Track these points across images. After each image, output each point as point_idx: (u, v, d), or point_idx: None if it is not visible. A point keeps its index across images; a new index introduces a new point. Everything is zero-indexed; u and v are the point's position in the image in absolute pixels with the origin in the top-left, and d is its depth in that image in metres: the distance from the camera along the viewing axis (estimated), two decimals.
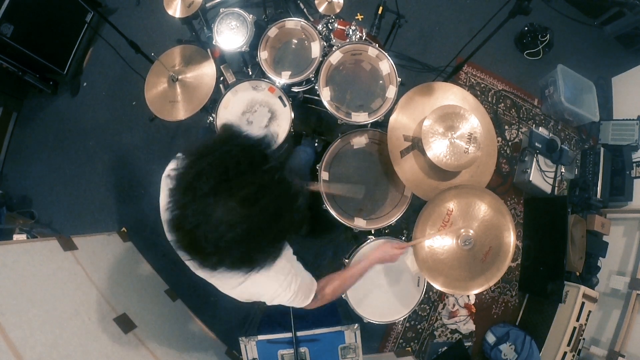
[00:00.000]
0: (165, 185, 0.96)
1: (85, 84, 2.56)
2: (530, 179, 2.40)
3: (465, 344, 2.34)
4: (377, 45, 1.73)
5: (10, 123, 2.48)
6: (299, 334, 1.59)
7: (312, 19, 2.23)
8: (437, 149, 1.40)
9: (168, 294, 2.09)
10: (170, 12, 1.67)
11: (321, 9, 1.74)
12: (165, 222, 0.72)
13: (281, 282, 0.98)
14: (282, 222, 0.72)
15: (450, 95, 1.57)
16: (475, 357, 2.38)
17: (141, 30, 2.53)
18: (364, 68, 1.73)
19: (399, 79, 1.64)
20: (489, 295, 2.44)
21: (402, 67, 2.54)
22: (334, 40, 1.80)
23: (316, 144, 1.92)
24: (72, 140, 2.48)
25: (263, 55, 1.70)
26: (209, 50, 1.77)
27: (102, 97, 2.53)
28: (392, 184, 1.68)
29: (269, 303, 1.03)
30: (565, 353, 2.12)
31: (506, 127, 2.67)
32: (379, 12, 2.06)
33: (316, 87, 1.64)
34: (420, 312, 2.35)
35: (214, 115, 1.64)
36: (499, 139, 2.62)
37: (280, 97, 1.66)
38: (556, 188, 2.46)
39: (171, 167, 0.95)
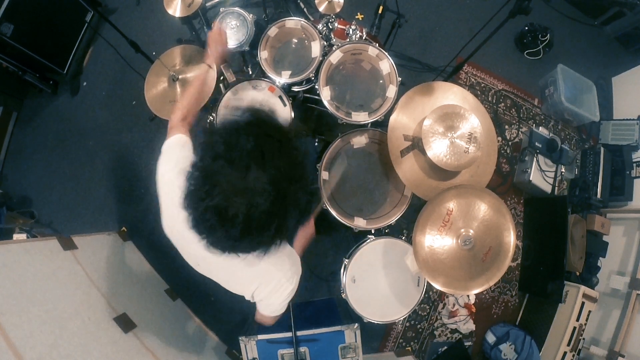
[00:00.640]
0: (166, 184, 0.96)
1: (85, 83, 2.56)
2: (530, 178, 2.40)
3: (465, 344, 2.34)
4: (377, 44, 1.73)
5: (10, 123, 2.48)
6: (299, 333, 1.59)
7: (312, 19, 2.23)
8: (437, 149, 1.40)
9: (168, 294, 2.09)
10: (170, 11, 1.67)
11: (321, 9, 1.74)
12: (188, 196, 0.73)
13: (285, 272, 0.98)
14: (299, 200, 0.76)
15: (450, 95, 1.57)
16: (475, 357, 2.38)
17: (141, 30, 2.53)
18: (364, 68, 1.73)
19: (399, 79, 1.64)
20: (489, 295, 2.44)
21: (402, 66, 2.54)
22: (334, 40, 1.80)
23: (316, 144, 1.92)
24: (72, 140, 2.48)
25: (263, 54, 1.70)
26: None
27: (102, 97, 2.53)
28: (392, 183, 1.68)
29: (269, 299, 1.02)
30: (565, 353, 2.12)
31: (506, 126, 2.67)
32: (379, 11, 2.06)
33: (316, 87, 1.64)
34: (420, 312, 2.35)
35: (214, 114, 1.64)
36: (499, 138, 2.62)
37: (280, 97, 1.66)
38: (556, 188, 2.46)
39: (165, 167, 0.96)
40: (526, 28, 2.75)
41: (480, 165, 1.54)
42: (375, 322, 1.59)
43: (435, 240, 1.37)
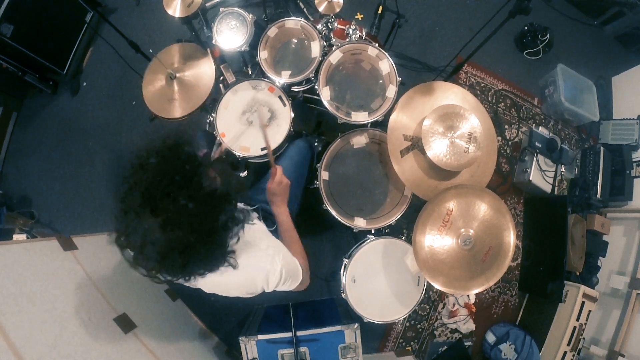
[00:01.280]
0: None
1: (85, 83, 2.56)
2: (530, 178, 2.39)
3: (465, 344, 2.34)
4: (377, 44, 1.73)
5: (10, 123, 2.48)
6: (299, 333, 1.59)
7: (312, 19, 2.23)
8: (437, 149, 1.40)
9: (168, 294, 2.09)
10: (170, 11, 1.67)
11: (321, 9, 1.74)
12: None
13: (264, 259, 1.01)
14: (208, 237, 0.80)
15: (450, 94, 1.57)
16: (475, 357, 2.38)
17: (141, 30, 2.53)
18: (363, 67, 1.73)
19: (399, 79, 1.64)
20: (489, 294, 2.44)
21: (402, 66, 2.54)
22: (333, 40, 1.80)
23: (316, 144, 1.92)
24: (72, 140, 2.48)
25: (263, 54, 1.70)
26: (208, 49, 1.77)
27: (102, 97, 2.53)
28: (392, 183, 1.68)
29: (268, 288, 1.05)
30: (565, 353, 2.12)
31: (506, 126, 2.67)
32: (379, 11, 2.06)
33: (316, 87, 1.64)
34: (420, 312, 2.35)
35: (213, 115, 1.64)
36: (499, 138, 2.62)
37: (280, 97, 1.66)
38: (556, 188, 2.46)
39: None
40: (526, 28, 2.75)
41: (480, 165, 1.54)
42: (375, 322, 1.59)
43: (435, 240, 1.37)
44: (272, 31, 1.72)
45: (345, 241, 2.18)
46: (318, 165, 1.65)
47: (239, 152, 1.58)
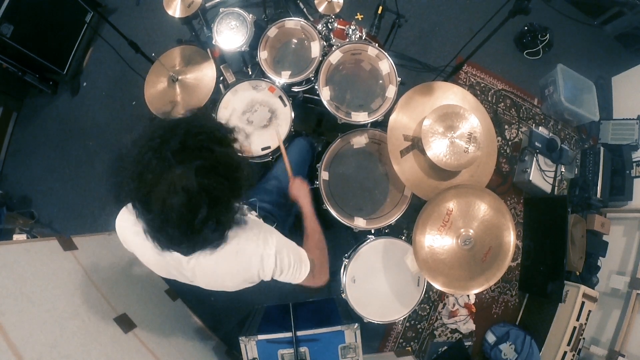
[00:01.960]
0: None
1: (85, 84, 2.56)
2: (530, 178, 2.39)
3: (465, 344, 2.34)
4: (376, 44, 1.73)
5: (10, 123, 2.48)
6: (299, 333, 1.59)
7: (311, 19, 2.23)
8: (437, 149, 1.40)
9: (168, 294, 2.08)
10: (170, 12, 1.67)
11: (321, 9, 1.74)
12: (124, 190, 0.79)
13: (255, 242, 1.00)
14: (228, 194, 0.79)
15: (450, 94, 1.57)
16: (475, 357, 2.38)
17: (141, 30, 2.53)
18: (363, 68, 1.73)
19: (399, 79, 1.65)
20: (489, 295, 2.44)
21: (402, 66, 2.54)
22: (333, 40, 1.80)
23: (316, 144, 1.92)
24: (72, 140, 2.48)
25: (263, 55, 1.70)
26: (208, 50, 1.78)
27: (102, 97, 2.53)
28: (392, 183, 1.68)
29: (265, 274, 1.04)
30: (565, 353, 2.12)
31: (506, 126, 2.67)
32: (379, 11, 2.06)
33: (316, 87, 1.64)
34: (420, 312, 2.35)
35: (213, 115, 1.64)
36: (499, 138, 2.62)
37: (280, 97, 1.66)
38: (556, 188, 2.46)
39: (124, 214, 1.00)
40: (526, 28, 2.75)
41: (480, 165, 1.54)
42: (375, 322, 1.59)
43: (435, 240, 1.37)
44: (272, 31, 1.72)
45: (345, 241, 2.18)
46: (318, 165, 1.65)
47: (238, 152, 1.58)
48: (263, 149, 1.59)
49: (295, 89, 1.75)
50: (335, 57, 1.66)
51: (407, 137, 1.51)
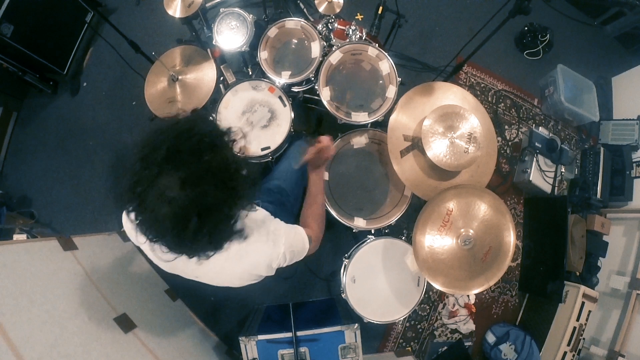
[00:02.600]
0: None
1: (85, 83, 2.56)
2: (530, 178, 2.40)
3: (465, 344, 2.34)
4: (377, 45, 1.73)
5: (10, 123, 2.48)
6: (299, 333, 1.59)
7: (312, 19, 2.23)
8: (437, 149, 1.40)
9: (168, 294, 2.08)
10: (170, 12, 1.67)
11: (321, 9, 1.74)
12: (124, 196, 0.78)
13: (265, 243, 1.00)
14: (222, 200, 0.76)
15: (450, 95, 1.58)
16: (475, 357, 2.38)
17: (141, 30, 2.53)
18: (364, 68, 1.73)
19: (399, 79, 1.65)
20: (489, 295, 2.44)
21: (402, 66, 2.54)
22: (333, 40, 1.80)
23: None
24: (72, 140, 2.48)
25: (263, 55, 1.70)
26: (209, 50, 1.78)
27: (102, 97, 2.53)
28: (392, 183, 1.68)
29: (272, 272, 1.05)
30: (565, 353, 2.12)
31: (506, 126, 2.67)
32: (379, 12, 2.06)
33: (316, 87, 1.64)
34: (420, 312, 2.35)
35: (214, 115, 1.64)
36: (499, 138, 2.62)
37: (280, 97, 1.66)
38: (556, 188, 2.46)
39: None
40: (526, 28, 2.75)
41: (480, 165, 1.54)
42: (375, 322, 1.59)
43: (435, 240, 1.37)
44: (272, 31, 1.72)
45: (345, 241, 2.18)
46: None
47: (238, 152, 1.58)
48: (263, 149, 1.59)
49: (295, 89, 1.75)
50: (335, 57, 1.66)
51: (407, 137, 1.51)
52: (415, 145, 1.49)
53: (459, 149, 1.41)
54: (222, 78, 1.80)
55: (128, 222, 0.98)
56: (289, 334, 1.58)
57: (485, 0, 2.75)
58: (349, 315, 1.69)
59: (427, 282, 1.47)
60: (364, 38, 1.79)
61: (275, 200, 1.44)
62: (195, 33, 1.90)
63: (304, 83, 1.73)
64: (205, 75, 1.71)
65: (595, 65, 2.86)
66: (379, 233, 1.71)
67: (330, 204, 1.61)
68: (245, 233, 0.86)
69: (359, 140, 1.70)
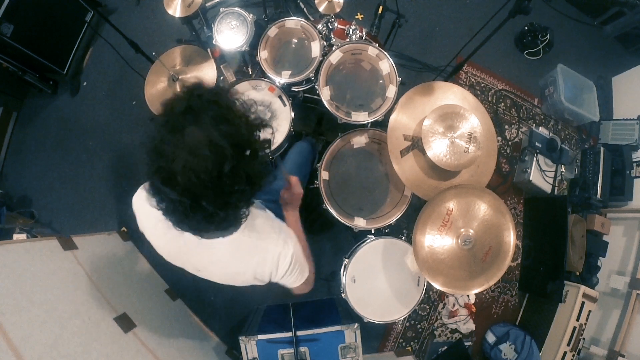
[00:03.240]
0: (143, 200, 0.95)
1: (85, 83, 2.56)
2: (530, 178, 2.40)
3: (465, 344, 2.34)
4: (377, 44, 1.73)
5: (10, 123, 2.48)
6: (299, 333, 1.59)
7: (312, 19, 2.23)
8: (437, 149, 1.40)
9: (168, 294, 2.09)
10: (170, 11, 1.67)
11: (321, 9, 1.74)
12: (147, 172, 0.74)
13: (276, 240, 0.98)
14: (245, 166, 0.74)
15: (450, 94, 1.57)
16: (475, 357, 2.38)
17: (141, 30, 2.53)
18: (364, 67, 1.73)
19: (399, 79, 1.65)
20: (489, 294, 2.44)
21: (402, 66, 2.54)
22: (334, 40, 1.80)
23: (317, 145, 1.92)
24: (72, 140, 2.48)
25: (263, 54, 1.70)
26: (209, 49, 1.78)
27: (102, 97, 2.53)
28: (392, 183, 1.68)
29: (277, 274, 1.03)
30: (565, 353, 2.12)
31: (506, 126, 2.67)
32: (379, 11, 2.06)
33: (316, 87, 1.64)
34: (420, 312, 2.35)
35: None
36: (499, 138, 2.62)
37: (280, 97, 1.66)
38: (556, 188, 2.46)
39: (141, 194, 0.96)
40: (526, 28, 2.75)
41: (480, 165, 1.54)
42: (375, 322, 1.59)
43: (435, 240, 1.37)
44: (272, 31, 1.72)
45: (345, 241, 2.18)
46: (318, 165, 1.65)
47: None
48: None
49: (295, 88, 1.75)
50: (335, 56, 1.66)
51: (407, 137, 1.51)
52: (415, 145, 1.49)
53: (459, 149, 1.41)
54: (222, 78, 1.80)
55: (140, 199, 0.97)
56: (289, 334, 1.59)
57: (485, 0, 2.75)
58: (349, 315, 1.69)
59: (427, 282, 1.47)
60: (364, 38, 1.79)
61: (276, 200, 1.44)
62: (195, 33, 1.90)
63: (304, 83, 1.73)
64: (205, 75, 1.71)
65: (595, 65, 2.85)
66: (379, 233, 1.71)
67: (330, 204, 1.61)
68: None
69: (359, 140, 1.70)
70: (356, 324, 1.60)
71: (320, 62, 1.66)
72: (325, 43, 1.72)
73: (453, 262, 1.36)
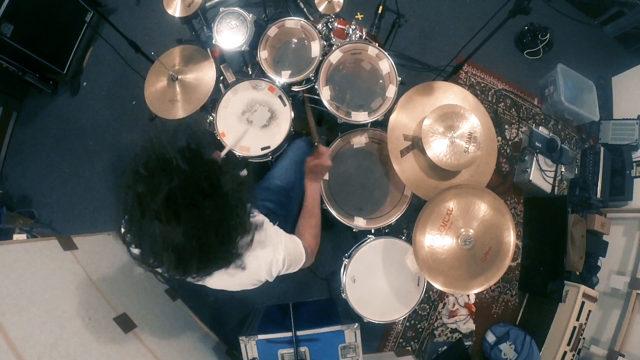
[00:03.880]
0: None
1: (85, 83, 2.56)
2: (530, 178, 2.40)
3: (465, 344, 2.34)
4: (377, 44, 1.73)
5: (10, 123, 2.48)
6: (299, 333, 1.59)
7: (312, 18, 2.23)
8: (437, 149, 1.40)
9: (168, 294, 2.09)
10: (170, 11, 1.67)
11: (321, 8, 1.73)
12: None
13: (267, 251, 1.02)
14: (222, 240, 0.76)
15: (450, 94, 1.57)
16: (475, 357, 2.38)
17: (141, 30, 2.53)
18: (364, 67, 1.73)
19: (399, 79, 1.64)
20: (489, 294, 2.44)
21: (402, 66, 2.54)
22: (333, 40, 1.79)
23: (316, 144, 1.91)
24: (72, 140, 2.48)
25: (263, 54, 1.70)
26: (208, 49, 1.77)
27: (102, 97, 2.53)
28: (392, 183, 1.68)
29: (272, 278, 1.07)
30: (565, 352, 2.12)
31: (506, 126, 2.67)
32: (379, 11, 2.06)
33: (316, 87, 1.64)
34: (420, 312, 2.35)
35: (213, 114, 1.64)
36: (499, 138, 2.62)
37: (280, 97, 1.66)
38: (556, 187, 2.46)
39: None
40: (526, 28, 2.75)
41: (480, 165, 1.54)
42: (375, 321, 1.59)
43: (435, 240, 1.37)
44: (272, 31, 1.72)
45: (345, 241, 2.18)
46: None
47: (239, 152, 1.58)
48: (263, 149, 1.59)
49: (295, 88, 1.75)
50: (335, 56, 1.66)
51: (407, 136, 1.51)
52: (415, 145, 1.49)
53: (459, 149, 1.41)
54: (222, 77, 1.80)
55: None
56: (289, 334, 1.59)
57: (485, 0, 2.75)
58: (349, 315, 1.69)
59: (427, 282, 1.47)
60: (364, 37, 1.79)
61: (274, 200, 1.44)
62: (195, 33, 1.90)
63: (304, 82, 1.73)
64: (205, 74, 1.71)
65: (595, 65, 2.85)
66: (379, 233, 1.70)
67: (330, 204, 1.61)
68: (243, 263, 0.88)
69: (359, 140, 1.70)
70: (356, 324, 1.61)
71: (320, 62, 1.66)
72: (325, 43, 1.72)
73: (453, 262, 1.36)
